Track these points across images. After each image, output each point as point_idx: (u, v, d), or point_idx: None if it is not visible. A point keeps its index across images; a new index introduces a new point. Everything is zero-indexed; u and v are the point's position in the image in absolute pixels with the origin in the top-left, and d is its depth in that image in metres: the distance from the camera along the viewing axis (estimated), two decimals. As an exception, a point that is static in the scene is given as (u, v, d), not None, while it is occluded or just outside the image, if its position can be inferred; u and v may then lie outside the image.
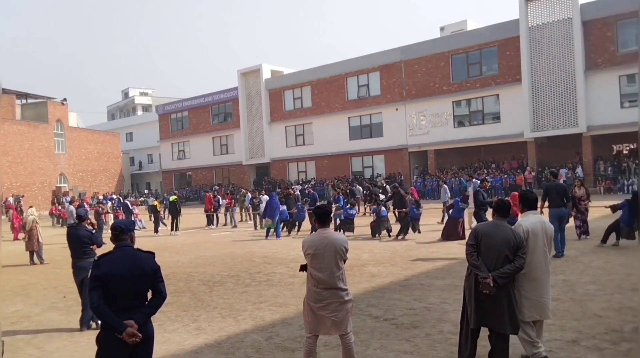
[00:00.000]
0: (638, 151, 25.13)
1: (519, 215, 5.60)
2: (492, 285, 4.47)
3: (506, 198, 11.91)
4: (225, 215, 23.14)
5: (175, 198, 20.73)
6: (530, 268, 4.81)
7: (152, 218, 23.18)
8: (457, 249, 12.34)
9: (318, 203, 5.39)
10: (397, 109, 35.43)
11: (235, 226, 21.79)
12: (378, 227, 15.50)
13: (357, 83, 37.91)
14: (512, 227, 4.89)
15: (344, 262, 4.84)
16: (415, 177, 33.66)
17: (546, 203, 10.82)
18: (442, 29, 39.68)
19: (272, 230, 16.94)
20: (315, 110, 40.15)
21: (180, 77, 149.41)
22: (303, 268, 4.97)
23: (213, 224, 22.23)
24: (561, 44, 28.29)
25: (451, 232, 14.12)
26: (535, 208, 5.11)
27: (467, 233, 10.69)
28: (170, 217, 21.10)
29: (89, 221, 7.72)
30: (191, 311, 7.82)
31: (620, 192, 25.61)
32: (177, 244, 16.55)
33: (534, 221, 4.94)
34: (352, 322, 5.04)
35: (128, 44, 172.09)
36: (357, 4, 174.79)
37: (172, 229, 20.04)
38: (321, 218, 4.97)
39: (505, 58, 30.99)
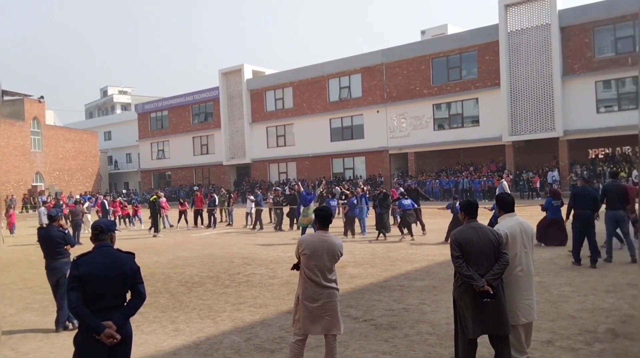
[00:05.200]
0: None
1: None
2: (491, 291, 4.37)
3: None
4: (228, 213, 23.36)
5: (155, 198, 20.32)
6: (512, 271, 4.78)
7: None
8: (436, 251, 12.47)
9: (322, 206, 5.43)
10: (378, 111, 35.64)
11: (231, 224, 22.35)
12: (453, 226, 14.17)
13: (339, 85, 38.03)
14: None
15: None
16: (395, 178, 33.87)
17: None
18: (423, 32, 40.10)
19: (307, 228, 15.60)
20: (296, 111, 40.14)
21: (161, 76, 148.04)
22: (295, 267, 4.97)
23: (210, 223, 21.98)
24: (539, 50, 28.78)
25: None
26: (512, 211, 5.09)
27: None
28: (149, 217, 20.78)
29: (59, 222, 7.58)
30: (169, 312, 7.76)
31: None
32: (156, 245, 16.39)
33: (511, 224, 4.93)
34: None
35: (107, 41, 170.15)
36: (340, 5, 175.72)
37: (150, 229, 19.73)
38: (323, 220, 4.96)
39: (484, 62, 31.40)
